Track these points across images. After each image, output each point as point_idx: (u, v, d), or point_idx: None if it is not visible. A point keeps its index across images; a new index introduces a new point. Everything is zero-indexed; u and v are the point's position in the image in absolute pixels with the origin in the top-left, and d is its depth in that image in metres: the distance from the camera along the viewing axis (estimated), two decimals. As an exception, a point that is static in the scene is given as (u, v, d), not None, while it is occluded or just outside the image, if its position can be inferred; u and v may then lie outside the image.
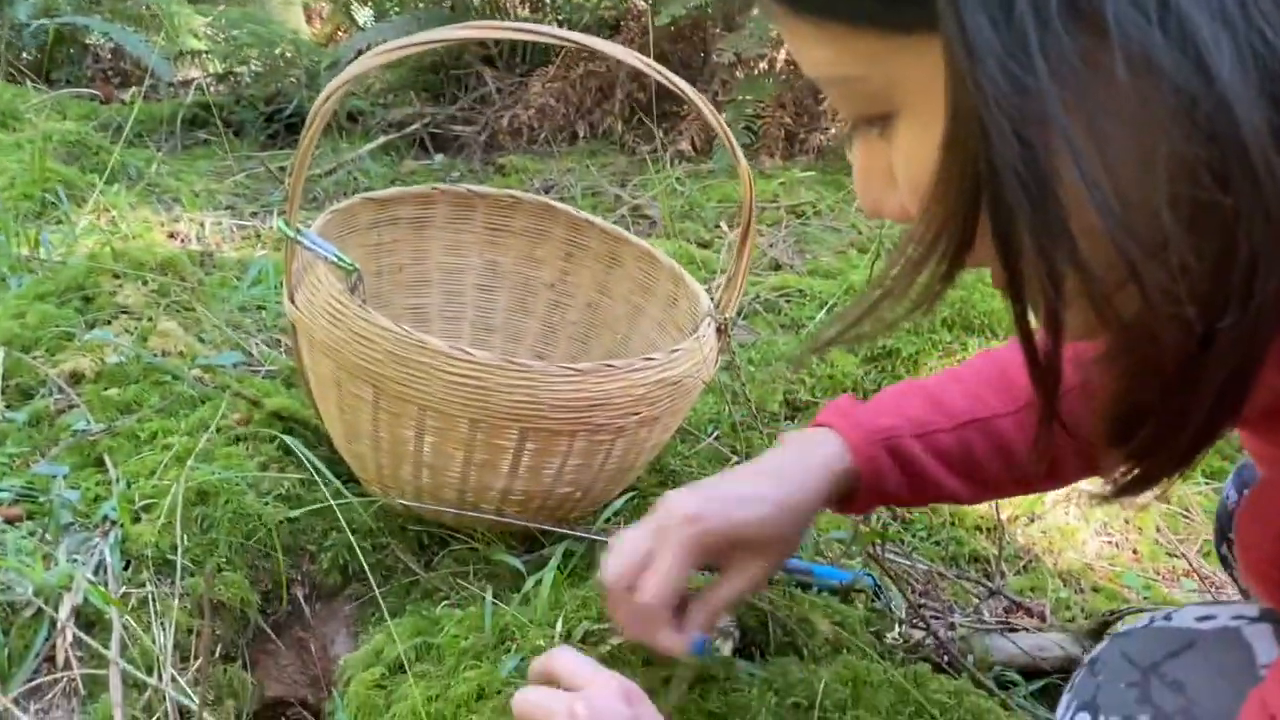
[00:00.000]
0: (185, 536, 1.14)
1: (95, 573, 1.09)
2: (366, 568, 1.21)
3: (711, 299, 1.33)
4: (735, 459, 1.52)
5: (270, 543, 1.19)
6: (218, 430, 1.30)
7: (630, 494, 1.33)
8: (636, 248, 1.51)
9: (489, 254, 1.58)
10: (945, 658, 1.18)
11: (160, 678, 0.96)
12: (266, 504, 1.21)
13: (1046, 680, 1.22)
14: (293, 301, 1.19)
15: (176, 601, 1.07)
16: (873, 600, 1.23)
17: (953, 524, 1.59)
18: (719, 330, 1.29)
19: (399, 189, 1.49)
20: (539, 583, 1.11)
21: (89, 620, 1.05)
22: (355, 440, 1.20)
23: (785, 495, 0.91)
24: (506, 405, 1.10)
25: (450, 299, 1.60)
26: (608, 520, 1.27)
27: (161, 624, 1.05)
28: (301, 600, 1.21)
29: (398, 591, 1.21)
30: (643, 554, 0.88)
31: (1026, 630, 1.28)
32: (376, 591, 1.16)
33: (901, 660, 1.10)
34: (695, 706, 0.93)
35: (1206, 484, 1.87)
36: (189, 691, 1.01)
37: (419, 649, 1.05)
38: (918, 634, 1.20)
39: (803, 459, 0.94)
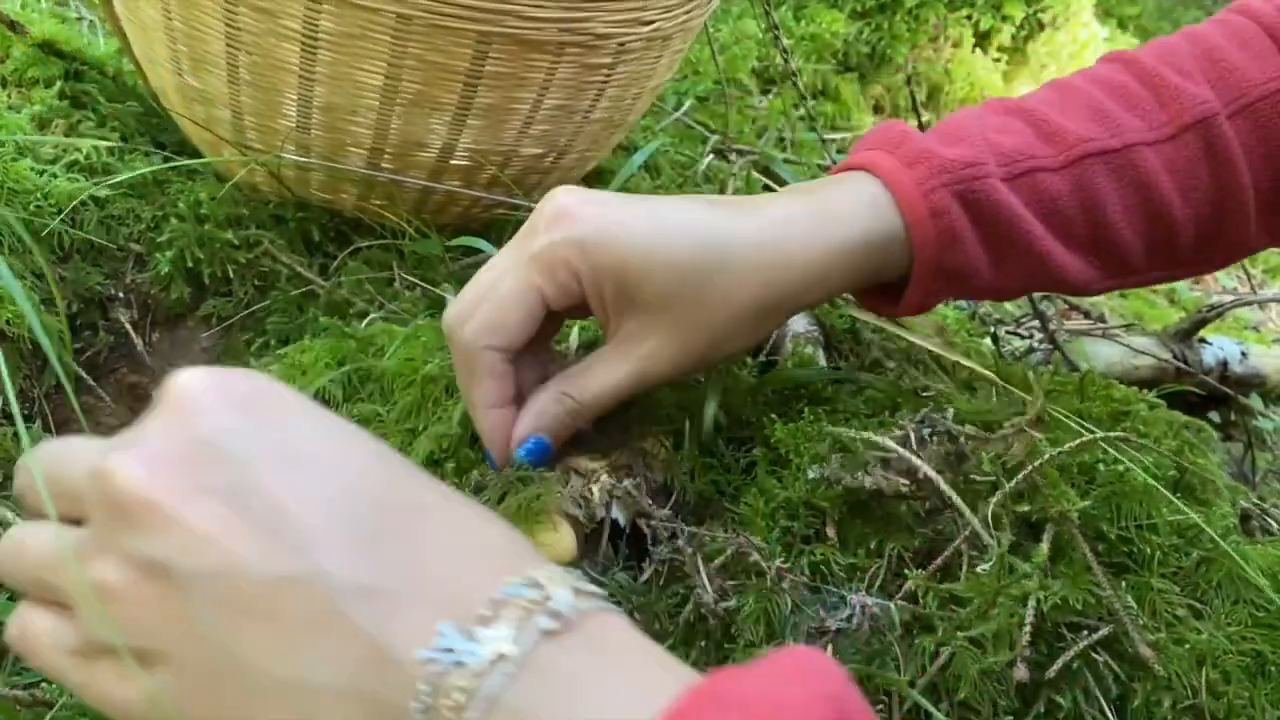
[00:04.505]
0: (-84, 223, 0.68)
1: None
2: (230, 272, 0.78)
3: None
4: (713, 139, 1.14)
5: (71, 236, 0.74)
6: (-46, 69, 0.81)
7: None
8: None
9: None
10: (1051, 367, 0.89)
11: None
12: (55, 176, 0.76)
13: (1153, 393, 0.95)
14: None
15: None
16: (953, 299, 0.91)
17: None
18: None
19: None
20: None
21: None
22: (198, 72, 0.75)
23: (737, 245, 0.53)
24: (458, -7, 0.68)
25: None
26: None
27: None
28: (129, 326, 0.78)
29: (282, 308, 0.79)
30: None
31: (1119, 333, 1.00)
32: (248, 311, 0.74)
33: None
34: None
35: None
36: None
37: (349, 381, 0.66)
38: (1016, 340, 0.90)
39: (806, 210, 0.55)
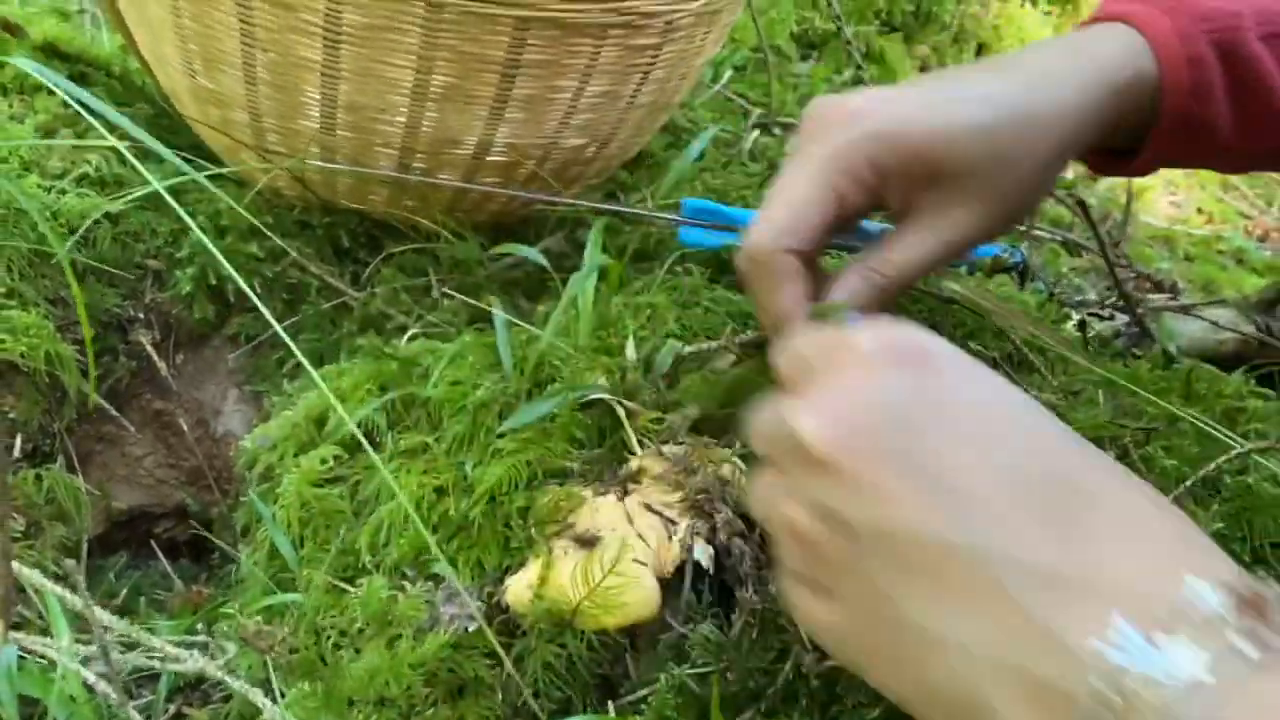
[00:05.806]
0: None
1: None
2: (257, 287, 0.73)
3: None
4: (756, 113, 1.08)
5: (84, 257, 0.69)
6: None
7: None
8: None
9: None
10: (1131, 348, 0.83)
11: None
12: (64, 191, 0.70)
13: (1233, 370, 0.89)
14: None
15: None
16: (1030, 281, 0.85)
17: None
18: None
19: None
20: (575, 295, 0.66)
21: None
22: (212, 72, 0.69)
23: (1028, 102, 0.53)
24: (492, -24, 0.62)
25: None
26: (666, 195, 0.82)
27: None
28: (151, 349, 0.73)
29: (314, 324, 0.74)
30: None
31: (1196, 306, 0.93)
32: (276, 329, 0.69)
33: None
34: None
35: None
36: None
37: (393, 408, 0.60)
38: (1096, 324, 0.84)
39: (1067, 57, 0.55)
